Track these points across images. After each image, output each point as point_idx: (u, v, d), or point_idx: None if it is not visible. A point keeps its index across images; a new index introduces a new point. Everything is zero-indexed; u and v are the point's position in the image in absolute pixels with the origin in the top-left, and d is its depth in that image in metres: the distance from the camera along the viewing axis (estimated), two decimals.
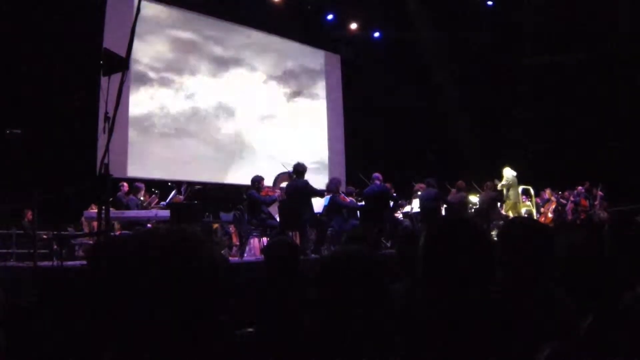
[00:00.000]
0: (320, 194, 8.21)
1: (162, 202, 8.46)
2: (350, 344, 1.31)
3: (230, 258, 7.42)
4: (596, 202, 11.73)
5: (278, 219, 7.72)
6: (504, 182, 10.51)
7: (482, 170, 11.06)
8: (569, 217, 11.26)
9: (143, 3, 4.21)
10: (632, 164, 11.40)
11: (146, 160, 10.62)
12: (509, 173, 10.59)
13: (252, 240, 8.11)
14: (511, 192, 10.46)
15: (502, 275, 1.68)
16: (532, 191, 11.20)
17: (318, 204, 8.19)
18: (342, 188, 8.79)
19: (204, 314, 0.88)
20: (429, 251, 1.43)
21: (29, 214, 7.88)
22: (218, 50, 12.16)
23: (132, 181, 8.71)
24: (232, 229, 9.28)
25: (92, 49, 8.76)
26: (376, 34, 14.39)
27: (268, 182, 9.30)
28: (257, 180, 7.77)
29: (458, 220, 1.53)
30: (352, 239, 2.95)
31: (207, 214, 8.89)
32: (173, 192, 8.67)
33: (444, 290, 1.39)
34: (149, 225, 7.50)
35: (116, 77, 4.27)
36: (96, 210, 5.72)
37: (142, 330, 0.85)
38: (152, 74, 10.91)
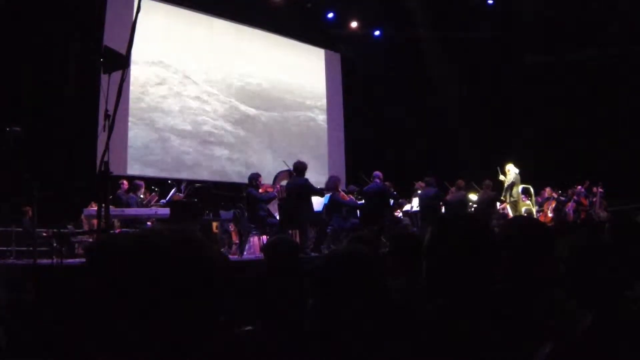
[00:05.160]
0: (319, 192, 8.21)
1: (162, 200, 8.47)
2: (351, 342, 1.31)
3: (229, 256, 7.42)
4: (595, 200, 11.73)
5: (278, 217, 7.72)
6: (510, 179, 10.41)
7: (482, 170, 11.05)
8: (570, 216, 11.26)
9: (143, 1, 4.20)
10: (632, 163, 11.40)
11: (146, 158, 10.63)
12: (513, 170, 10.51)
13: (251, 239, 8.12)
14: (514, 191, 10.42)
15: (502, 274, 1.68)
16: (532, 190, 11.20)
17: (318, 202, 8.20)
18: (342, 186, 8.79)
19: (203, 313, 0.88)
20: (433, 249, 1.43)
21: (29, 212, 7.88)
22: (217, 49, 12.14)
23: (132, 179, 8.71)
24: (231, 227, 9.29)
25: (92, 46, 8.76)
26: (376, 33, 14.38)
27: (268, 180, 9.32)
28: (255, 178, 7.76)
29: (463, 218, 1.53)
30: (356, 240, 2.94)
31: (206, 212, 8.89)
32: (173, 190, 8.67)
33: (446, 288, 1.39)
34: (148, 223, 7.51)
35: (116, 75, 4.27)
36: (96, 208, 5.71)
37: (141, 329, 0.84)
38: (152, 72, 10.89)
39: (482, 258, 1.39)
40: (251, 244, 8.19)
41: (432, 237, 1.45)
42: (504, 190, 10.52)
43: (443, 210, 9.06)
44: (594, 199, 11.70)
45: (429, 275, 1.44)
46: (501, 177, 10.64)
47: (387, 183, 8.72)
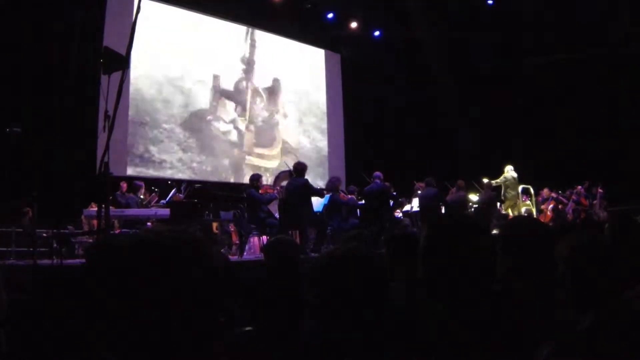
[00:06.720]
0: (319, 193, 8.21)
1: (162, 201, 8.47)
2: (350, 343, 1.31)
3: (230, 257, 7.42)
4: (595, 202, 11.74)
5: (278, 218, 7.72)
6: (501, 179, 10.55)
7: (482, 170, 11.05)
8: (569, 216, 11.26)
9: (143, 2, 4.20)
10: (632, 164, 11.40)
11: (146, 158, 10.62)
12: (509, 173, 10.59)
13: (251, 239, 8.12)
14: (509, 192, 10.48)
15: (502, 274, 1.68)
16: (532, 190, 11.21)
17: (318, 202, 8.20)
18: (342, 187, 8.79)
19: (203, 314, 0.88)
20: (429, 250, 1.43)
21: (29, 212, 7.87)
22: (218, 50, 12.14)
23: (132, 179, 8.70)
24: (231, 227, 9.28)
25: (92, 47, 8.75)
26: (376, 33, 14.37)
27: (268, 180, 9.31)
28: (256, 179, 7.78)
29: (459, 219, 1.53)
30: (352, 239, 2.94)
31: (206, 212, 8.90)
32: (173, 191, 8.67)
33: (444, 290, 1.39)
34: (148, 223, 7.50)
35: (116, 76, 4.27)
36: (96, 209, 5.71)
37: (141, 330, 0.84)
38: (152, 73, 10.88)
39: (477, 259, 1.39)
40: (251, 244, 8.19)
41: (428, 239, 1.44)
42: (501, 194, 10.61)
43: (443, 210, 9.06)
44: (595, 202, 11.70)
45: (427, 277, 1.44)
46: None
47: (387, 183, 8.72)
